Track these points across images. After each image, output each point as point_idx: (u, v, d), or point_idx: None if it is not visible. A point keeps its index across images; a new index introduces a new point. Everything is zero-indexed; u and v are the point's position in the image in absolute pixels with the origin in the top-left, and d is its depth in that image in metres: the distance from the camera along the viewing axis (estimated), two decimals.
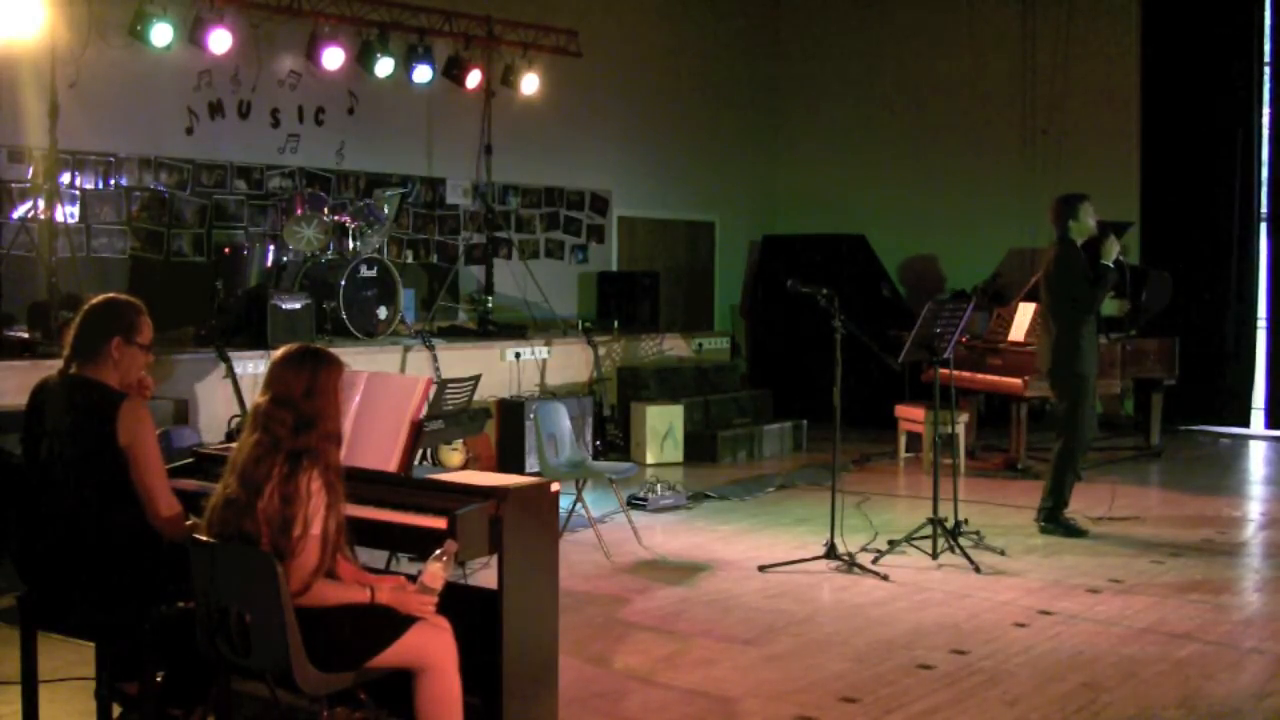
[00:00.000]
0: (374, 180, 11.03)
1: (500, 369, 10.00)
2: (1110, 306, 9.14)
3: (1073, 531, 7.77)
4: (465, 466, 8.68)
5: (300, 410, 3.61)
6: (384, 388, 4.35)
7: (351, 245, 9.60)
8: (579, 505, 7.60)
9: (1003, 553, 7.24)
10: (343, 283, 9.15)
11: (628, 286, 12.17)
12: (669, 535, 7.89)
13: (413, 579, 3.78)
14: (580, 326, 11.26)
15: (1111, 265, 7.63)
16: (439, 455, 8.80)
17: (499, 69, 11.49)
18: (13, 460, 4.39)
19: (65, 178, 9.15)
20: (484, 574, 5.72)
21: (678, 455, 10.52)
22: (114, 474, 3.92)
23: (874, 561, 6.97)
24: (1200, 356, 11.93)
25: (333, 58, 10.32)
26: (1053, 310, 7.83)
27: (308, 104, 10.71)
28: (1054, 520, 7.82)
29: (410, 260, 11.46)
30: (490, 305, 11.20)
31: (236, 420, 7.97)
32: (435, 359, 9.39)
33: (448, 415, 7.27)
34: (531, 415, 9.21)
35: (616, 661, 5.39)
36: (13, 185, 8.99)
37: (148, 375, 4.20)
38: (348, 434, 4.11)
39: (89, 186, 9.44)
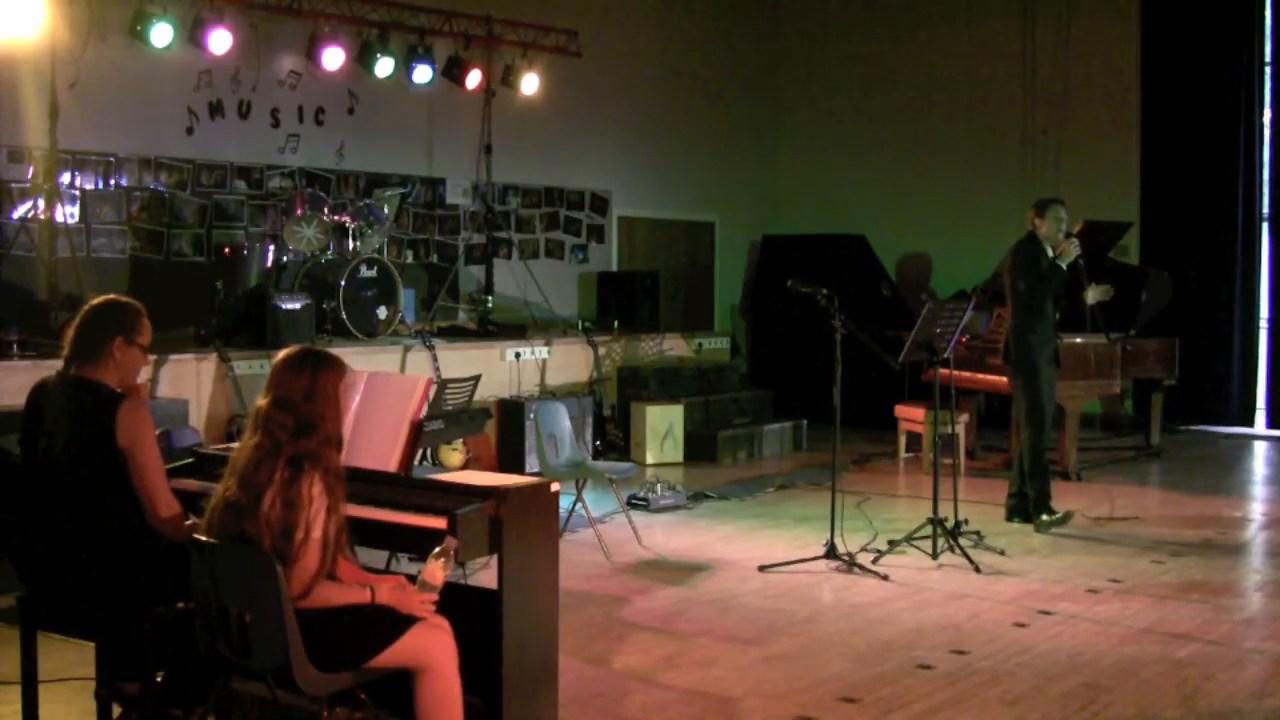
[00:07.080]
0: (374, 180, 11.03)
1: (500, 369, 10.00)
2: (1096, 292, 9.04)
3: (1064, 518, 7.90)
4: (465, 466, 8.67)
5: (301, 413, 3.61)
6: (384, 388, 4.36)
7: (351, 245, 9.60)
8: (579, 505, 7.60)
9: (1003, 553, 7.25)
10: (343, 283, 9.15)
11: (628, 286, 12.16)
12: (669, 535, 7.89)
13: (413, 579, 3.78)
14: (580, 326, 11.25)
15: (1063, 266, 7.79)
16: (439, 455, 8.79)
17: (499, 69, 11.49)
18: (12, 460, 4.39)
19: (65, 178, 9.15)
20: (484, 574, 5.72)
21: (678, 455, 10.52)
22: (113, 474, 3.92)
23: (874, 561, 6.97)
24: (1200, 356, 11.93)
25: (333, 58, 10.31)
26: (1011, 303, 8.08)
27: (308, 104, 10.70)
28: (1045, 509, 7.92)
29: (410, 260, 11.46)
30: (490, 305, 11.19)
31: (237, 421, 7.97)
32: (435, 359, 9.38)
33: (448, 415, 7.26)
34: (531, 415, 9.21)
35: (616, 661, 5.39)
36: (13, 185, 8.99)
37: (144, 381, 4.19)
38: (348, 434, 4.10)
39: (89, 186, 9.43)
